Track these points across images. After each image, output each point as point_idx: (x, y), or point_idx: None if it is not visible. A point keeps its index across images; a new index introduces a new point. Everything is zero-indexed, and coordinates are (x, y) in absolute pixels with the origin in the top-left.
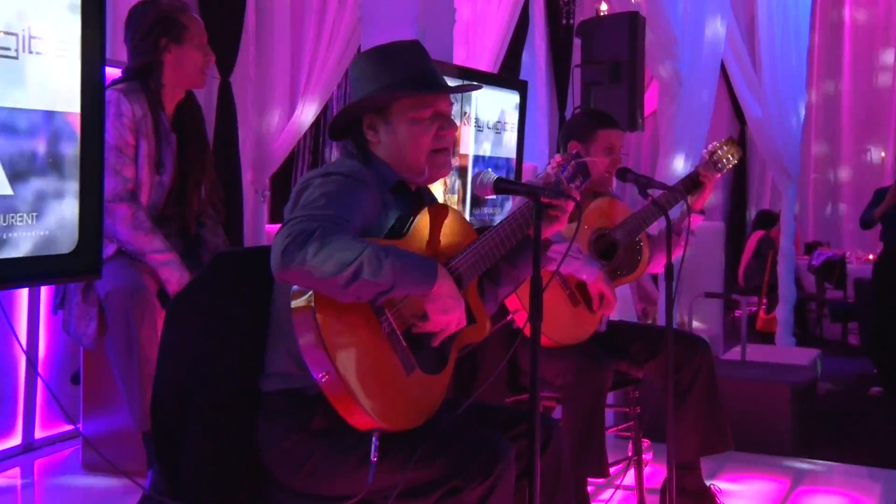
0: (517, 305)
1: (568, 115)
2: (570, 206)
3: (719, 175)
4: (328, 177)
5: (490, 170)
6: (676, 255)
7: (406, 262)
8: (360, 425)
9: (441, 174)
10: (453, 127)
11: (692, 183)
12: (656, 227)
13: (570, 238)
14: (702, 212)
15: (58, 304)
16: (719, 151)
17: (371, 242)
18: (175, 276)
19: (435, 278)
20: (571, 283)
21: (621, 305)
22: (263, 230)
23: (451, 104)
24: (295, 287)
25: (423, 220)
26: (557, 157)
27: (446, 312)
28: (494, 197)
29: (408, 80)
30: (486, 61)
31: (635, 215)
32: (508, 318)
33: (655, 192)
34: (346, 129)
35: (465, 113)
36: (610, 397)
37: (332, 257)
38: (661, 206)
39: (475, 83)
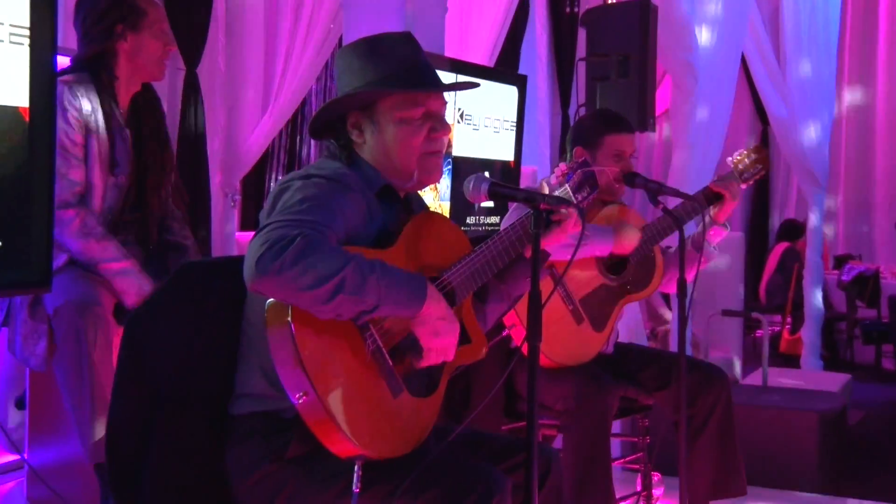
0: (514, 320)
1: (571, 112)
2: (573, 213)
3: (744, 186)
4: (309, 179)
5: (486, 173)
6: (695, 270)
7: (393, 280)
8: (340, 452)
9: (432, 180)
10: (446, 129)
11: (713, 194)
12: (673, 241)
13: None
14: (725, 225)
15: (2, 320)
16: (746, 160)
17: (357, 255)
18: (133, 287)
19: (424, 299)
20: (575, 298)
21: (631, 327)
22: (234, 238)
23: (445, 103)
24: (270, 300)
25: (411, 229)
26: (562, 166)
27: (438, 336)
28: (492, 204)
29: (397, 75)
30: (482, 54)
31: (648, 226)
32: (504, 333)
33: (666, 199)
34: (329, 127)
35: (460, 110)
36: (616, 426)
37: (313, 269)
38: (677, 217)
39: (471, 81)
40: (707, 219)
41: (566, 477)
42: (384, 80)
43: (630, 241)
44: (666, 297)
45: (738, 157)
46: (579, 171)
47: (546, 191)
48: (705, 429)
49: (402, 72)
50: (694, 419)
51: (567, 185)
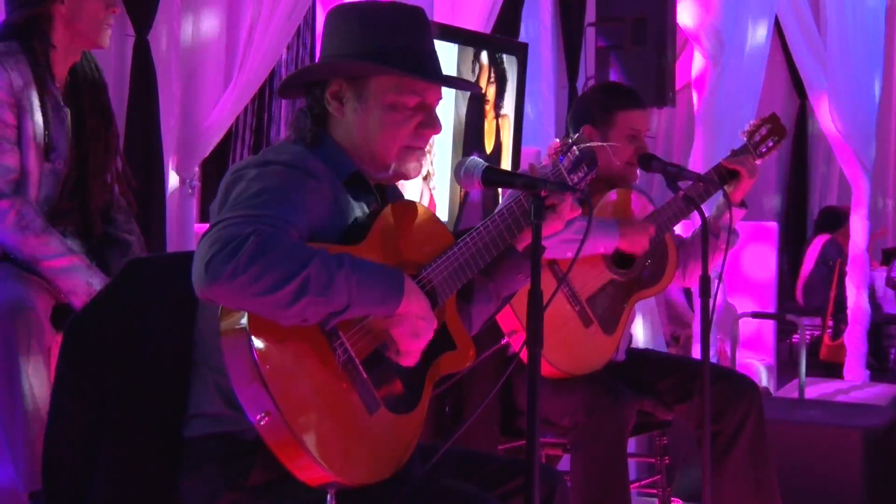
0: (515, 325)
1: (580, 86)
2: (569, 197)
3: (759, 161)
4: (265, 167)
5: (478, 157)
6: (716, 260)
7: (364, 275)
8: (310, 480)
9: (409, 176)
10: (436, 127)
11: (727, 171)
12: (690, 229)
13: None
14: (743, 204)
15: None
16: (760, 132)
17: (321, 250)
18: (82, 286)
19: (402, 294)
20: (581, 297)
21: (648, 331)
22: (192, 230)
23: (440, 98)
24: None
25: (385, 221)
26: (555, 143)
27: (417, 336)
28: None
29: (401, 54)
30: (477, 18)
31: (659, 212)
32: (504, 341)
33: (688, 185)
34: (305, 90)
35: None
36: (631, 444)
37: (271, 269)
38: (690, 199)
39: (476, 84)
40: (722, 199)
41: (577, 502)
42: (386, 55)
43: (640, 236)
44: (688, 298)
45: (751, 129)
46: (574, 147)
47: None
48: (734, 447)
49: (408, 52)
50: (720, 436)
51: (561, 165)
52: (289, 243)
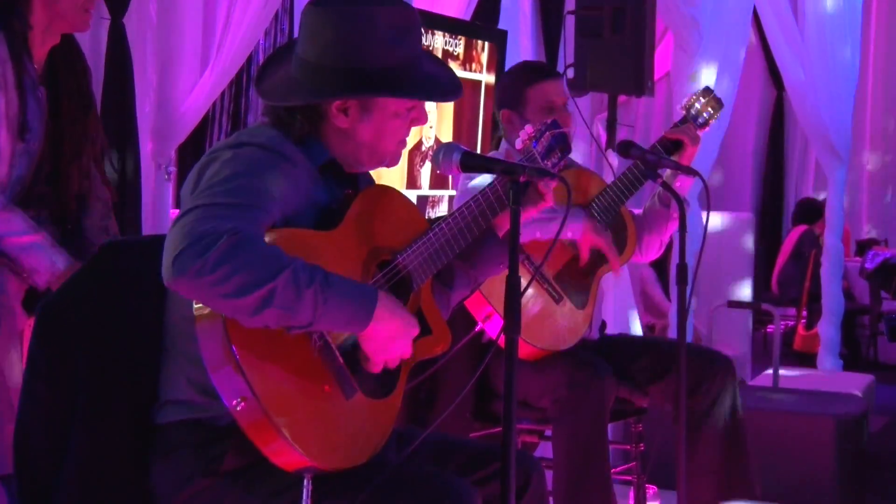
0: (488, 310)
1: None
2: (553, 185)
3: (702, 132)
4: (240, 149)
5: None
6: (670, 230)
7: (333, 295)
8: (286, 465)
9: (393, 164)
10: (425, 119)
11: (671, 142)
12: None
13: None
14: (691, 170)
15: None
16: (697, 105)
17: (294, 261)
18: (44, 263)
19: (369, 319)
20: (549, 275)
21: (622, 315)
22: (167, 215)
23: None
24: None
25: (360, 207)
26: (528, 128)
27: (387, 351)
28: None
29: (405, 71)
30: (456, 5)
31: (612, 187)
32: (478, 328)
33: (666, 173)
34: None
35: None
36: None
37: (239, 274)
38: (639, 173)
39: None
40: (668, 173)
41: (557, 478)
42: (392, 75)
43: (600, 235)
44: (665, 288)
45: (688, 103)
46: (547, 132)
47: (502, 155)
48: (708, 420)
49: (410, 67)
50: (695, 410)
51: (535, 151)
52: (262, 249)
